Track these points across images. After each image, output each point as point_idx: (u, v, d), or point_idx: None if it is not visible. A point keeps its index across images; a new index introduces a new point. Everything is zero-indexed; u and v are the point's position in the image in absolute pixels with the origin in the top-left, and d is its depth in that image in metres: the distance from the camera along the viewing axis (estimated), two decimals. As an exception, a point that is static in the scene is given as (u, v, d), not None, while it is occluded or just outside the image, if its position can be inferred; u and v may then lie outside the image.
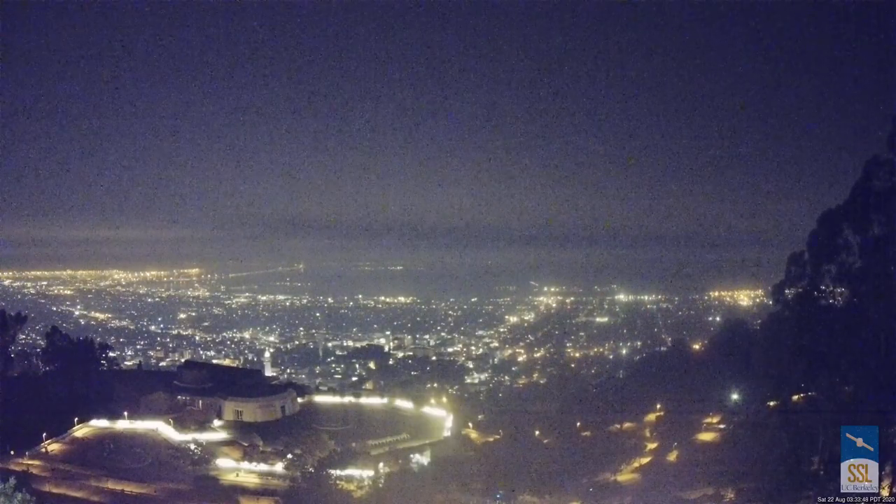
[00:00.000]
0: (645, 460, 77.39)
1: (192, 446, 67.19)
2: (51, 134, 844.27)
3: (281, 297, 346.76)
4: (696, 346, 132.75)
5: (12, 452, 64.50)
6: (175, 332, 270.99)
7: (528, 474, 62.62)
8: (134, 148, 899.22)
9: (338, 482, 57.65)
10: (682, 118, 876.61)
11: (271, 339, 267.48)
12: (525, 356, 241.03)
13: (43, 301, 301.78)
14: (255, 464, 64.96)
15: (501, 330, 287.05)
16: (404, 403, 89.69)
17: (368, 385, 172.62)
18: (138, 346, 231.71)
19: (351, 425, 78.07)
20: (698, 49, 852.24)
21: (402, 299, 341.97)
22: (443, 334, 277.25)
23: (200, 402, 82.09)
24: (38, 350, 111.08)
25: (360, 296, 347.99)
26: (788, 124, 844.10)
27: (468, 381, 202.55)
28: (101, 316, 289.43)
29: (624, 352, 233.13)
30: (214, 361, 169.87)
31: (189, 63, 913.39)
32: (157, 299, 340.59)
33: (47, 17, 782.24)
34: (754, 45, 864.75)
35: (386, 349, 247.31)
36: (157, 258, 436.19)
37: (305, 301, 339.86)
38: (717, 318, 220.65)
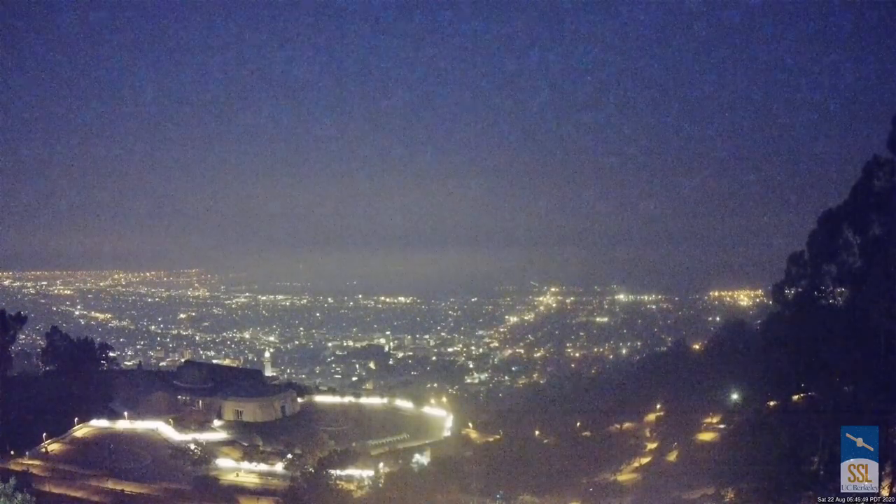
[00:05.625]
0: (645, 460, 77.36)
1: (192, 446, 67.09)
2: (51, 134, 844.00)
3: (281, 297, 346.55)
4: (696, 346, 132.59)
5: (12, 452, 64.39)
6: (175, 332, 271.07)
7: (528, 474, 62.44)
8: (135, 148, 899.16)
9: (338, 482, 57.51)
10: (681, 118, 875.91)
11: (271, 339, 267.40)
12: (525, 356, 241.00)
13: (43, 301, 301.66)
14: (255, 464, 64.85)
15: (501, 330, 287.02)
16: (404, 403, 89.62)
17: (368, 385, 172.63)
18: (138, 346, 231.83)
19: (350, 425, 77.98)
20: (699, 48, 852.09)
21: (402, 299, 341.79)
22: (443, 334, 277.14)
23: (200, 402, 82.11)
24: (38, 350, 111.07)
25: (360, 296, 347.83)
26: (789, 124, 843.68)
27: (468, 381, 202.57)
28: (101, 316, 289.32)
29: (624, 352, 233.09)
30: (214, 361, 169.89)
31: (189, 62, 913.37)
32: (157, 299, 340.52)
33: (52, 16, 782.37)
34: (756, 45, 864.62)
35: (386, 349, 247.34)
36: (157, 258, 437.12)
37: (305, 301, 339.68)
38: (717, 318, 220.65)
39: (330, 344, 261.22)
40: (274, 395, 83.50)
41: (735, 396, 74.89)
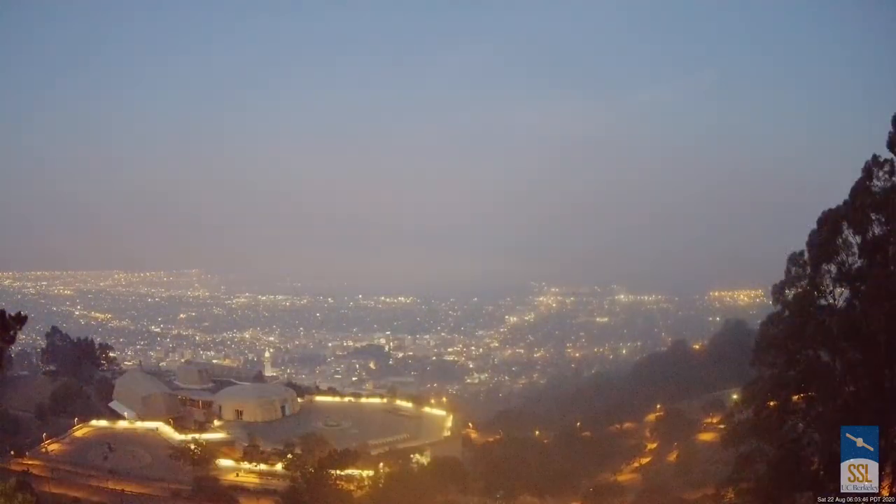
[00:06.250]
0: (645, 460, 77.41)
1: (192, 446, 67.09)
2: (52, 133, 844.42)
3: (281, 297, 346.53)
4: (696, 346, 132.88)
5: (12, 452, 64.39)
6: (175, 332, 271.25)
7: (528, 474, 62.46)
8: (135, 147, 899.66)
9: (338, 482, 57.45)
10: (679, 116, 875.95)
11: (271, 339, 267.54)
12: (525, 356, 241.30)
13: (43, 301, 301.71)
14: (255, 464, 64.85)
15: (501, 330, 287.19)
16: (404, 403, 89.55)
17: (368, 385, 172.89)
18: (138, 346, 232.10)
19: (350, 425, 77.93)
20: (698, 44, 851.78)
21: (402, 299, 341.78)
22: (443, 334, 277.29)
23: (200, 402, 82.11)
24: (38, 350, 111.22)
25: (360, 296, 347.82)
26: (788, 123, 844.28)
27: (468, 381, 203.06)
28: (101, 316, 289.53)
29: (624, 352, 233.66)
30: (214, 361, 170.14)
31: (188, 57, 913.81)
32: (157, 299, 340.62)
33: (50, 14, 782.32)
34: (755, 43, 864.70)
35: (386, 349, 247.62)
36: (158, 258, 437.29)
37: (305, 301, 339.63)
38: (717, 318, 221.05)
39: (330, 344, 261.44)
40: (274, 395, 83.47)
41: (735, 396, 74.93)
